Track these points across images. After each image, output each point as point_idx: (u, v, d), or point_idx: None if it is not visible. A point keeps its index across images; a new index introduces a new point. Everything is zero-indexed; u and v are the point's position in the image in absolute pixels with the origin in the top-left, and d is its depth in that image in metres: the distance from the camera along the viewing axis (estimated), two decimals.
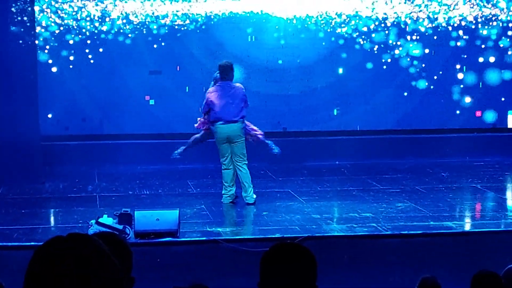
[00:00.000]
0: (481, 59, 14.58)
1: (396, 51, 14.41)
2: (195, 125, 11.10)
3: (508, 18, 14.59)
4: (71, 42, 13.65)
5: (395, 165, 13.60)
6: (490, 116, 14.73)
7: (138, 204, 10.47)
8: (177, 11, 13.92)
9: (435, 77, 14.54)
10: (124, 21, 13.80)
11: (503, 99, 14.71)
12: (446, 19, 14.46)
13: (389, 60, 14.40)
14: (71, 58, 13.65)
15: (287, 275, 3.16)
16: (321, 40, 14.22)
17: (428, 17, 14.44)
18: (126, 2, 13.78)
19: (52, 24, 13.61)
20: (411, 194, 11.36)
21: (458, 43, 14.52)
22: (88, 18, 13.69)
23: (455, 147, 14.36)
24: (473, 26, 14.53)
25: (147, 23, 13.85)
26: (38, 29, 13.18)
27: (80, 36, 13.67)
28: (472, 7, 14.49)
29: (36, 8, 13.02)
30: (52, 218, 10.11)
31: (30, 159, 12.26)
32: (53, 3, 13.61)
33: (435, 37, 14.47)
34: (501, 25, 14.57)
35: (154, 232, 8.82)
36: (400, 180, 12.47)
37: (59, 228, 9.34)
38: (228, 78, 10.71)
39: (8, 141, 12.10)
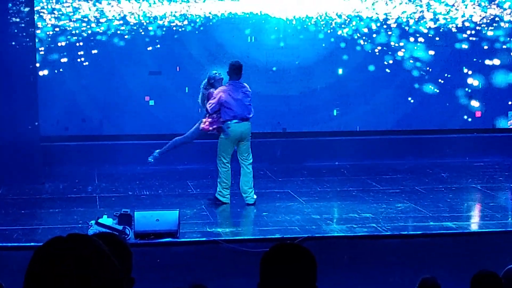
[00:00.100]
0: (483, 60, 14.58)
1: (396, 52, 14.40)
2: (203, 125, 10.87)
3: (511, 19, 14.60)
4: (71, 43, 13.65)
5: (395, 165, 13.60)
6: (490, 117, 14.73)
7: (138, 205, 10.47)
8: (176, 12, 13.92)
9: (435, 78, 14.54)
10: (124, 22, 13.80)
11: (510, 103, 14.71)
12: (449, 19, 14.46)
13: (390, 62, 14.39)
14: (71, 58, 13.64)
15: (287, 275, 3.16)
16: (320, 41, 14.22)
17: (428, 18, 14.44)
18: (126, 2, 13.78)
19: (52, 25, 13.61)
20: (411, 195, 11.37)
21: (459, 44, 14.52)
22: (88, 19, 13.69)
23: (455, 147, 14.36)
24: (477, 27, 14.52)
25: (147, 24, 13.85)
26: (37, 29, 13.17)
27: (80, 37, 13.67)
28: (474, 8, 14.49)
29: (36, 9, 13.01)
30: (52, 219, 10.10)
31: (30, 159, 12.26)
32: (52, 4, 13.60)
33: (436, 38, 14.46)
34: (505, 26, 14.56)
35: (154, 232, 8.82)
36: (400, 181, 12.47)
37: (59, 229, 9.33)
38: (239, 77, 10.77)
39: (8, 142, 12.10)
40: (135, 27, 13.83)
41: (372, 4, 14.31)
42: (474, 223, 10.25)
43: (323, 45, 14.24)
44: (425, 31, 14.45)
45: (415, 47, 14.45)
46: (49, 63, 13.57)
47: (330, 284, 8.27)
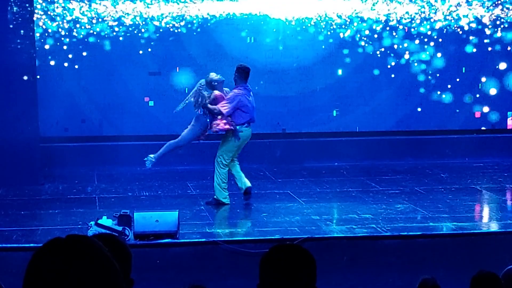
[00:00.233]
0: (482, 60, 14.58)
1: (396, 53, 14.40)
2: (216, 128, 10.74)
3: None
4: (70, 43, 13.65)
5: (395, 166, 13.60)
6: (490, 118, 14.73)
7: (137, 206, 10.47)
8: (176, 12, 13.92)
9: (434, 78, 14.54)
10: (124, 22, 13.80)
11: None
12: (452, 20, 14.46)
13: (390, 62, 14.40)
14: (71, 59, 13.64)
15: (286, 276, 3.16)
16: (320, 42, 14.22)
17: (428, 18, 14.44)
18: (126, 3, 13.78)
19: (52, 25, 13.60)
20: (410, 195, 11.37)
21: (458, 44, 14.52)
22: (87, 20, 13.69)
23: (454, 148, 14.37)
24: (477, 27, 14.52)
25: (146, 24, 13.85)
26: (37, 30, 13.17)
27: (79, 38, 13.66)
28: (470, 9, 14.49)
29: (35, 10, 13.01)
30: (51, 220, 10.09)
31: (30, 160, 12.26)
32: (52, 5, 13.60)
33: (435, 37, 14.47)
34: (507, 26, 14.58)
35: (154, 233, 8.81)
36: (399, 181, 12.47)
37: (58, 230, 9.33)
38: (247, 80, 10.82)
39: (8, 143, 12.10)
40: (134, 28, 13.83)
41: (373, 5, 14.30)
42: (474, 224, 10.24)
43: (323, 46, 14.24)
44: (425, 31, 14.45)
45: (415, 48, 14.44)
46: (49, 64, 13.57)
47: (330, 284, 8.28)
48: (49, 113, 13.32)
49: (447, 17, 14.49)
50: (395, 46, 14.41)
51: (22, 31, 12.21)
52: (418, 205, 10.69)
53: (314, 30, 14.21)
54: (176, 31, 13.94)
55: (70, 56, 13.65)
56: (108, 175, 12.88)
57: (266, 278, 3.20)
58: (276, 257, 3.21)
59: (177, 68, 13.96)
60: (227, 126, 10.61)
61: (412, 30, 14.45)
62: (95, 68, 13.72)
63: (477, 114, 14.73)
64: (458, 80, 14.60)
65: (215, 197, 10.76)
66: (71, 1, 13.64)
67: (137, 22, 13.83)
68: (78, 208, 10.65)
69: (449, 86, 14.59)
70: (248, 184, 10.89)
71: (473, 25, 14.54)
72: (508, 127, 14.79)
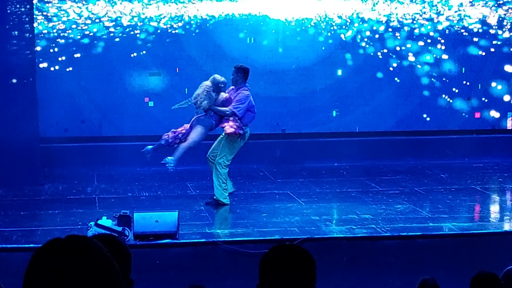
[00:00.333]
0: (482, 60, 14.59)
1: (395, 53, 14.41)
2: (231, 129, 10.58)
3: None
4: (70, 44, 13.65)
5: (394, 166, 13.61)
6: (489, 118, 14.73)
7: (137, 206, 10.46)
8: (175, 13, 13.91)
9: (434, 79, 14.55)
10: (124, 23, 13.80)
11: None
12: (452, 21, 14.47)
13: (389, 63, 14.40)
14: (71, 60, 13.64)
15: (286, 277, 3.16)
16: (319, 42, 14.22)
17: (428, 19, 14.44)
18: (126, 3, 13.78)
19: (52, 26, 13.60)
20: (410, 196, 11.37)
21: (457, 44, 14.53)
22: (87, 20, 13.69)
23: (454, 148, 14.37)
24: (476, 27, 14.53)
25: (146, 25, 13.85)
26: (37, 30, 13.17)
27: (79, 38, 13.66)
28: (465, 10, 14.50)
29: (35, 11, 13.01)
30: (51, 220, 10.09)
31: (29, 161, 12.26)
32: (52, 5, 13.60)
33: (435, 38, 14.47)
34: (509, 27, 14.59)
35: (153, 234, 8.81)
36: (399, 182, 12.47)
37: (58, 230, 9.33)
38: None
39: (8, 143, 12.10)
40: (134, 29, 13.83)
41: (374, 5, 14.31)
42: (474, 224, 10.24)
43: (323, 48, 14.23)
44: (425, 32, 14.45)
45: (415, 48, 14.44)
46: (49, 65, 13.56)
47: (329, 285, 8.28)
48: (49, 113, 13.32)
49: (447, 18, 14.48)
50: (395, 47, 14.40)
51: (21, 32, 12.21)
52: (418, 206, 10.69)
53: (313, 31, 14.21)
54: (175, 32, 13.94)
55: (70, 56, 13.65)
56: (108, 175, 12.88)
57: (265, 278, 3.20)
58: (275, 258, 3.22)
59: (177, 68, 13.96)
60: (234, 129, 10.59)
61: (412, 30, 14.44)
62: (95, 69, 13.72)
63: (477, 115, 14.73)
64: (457, 80, 14.59)
65: (215, 197, 10.75)
66: (71, 2, 13.63)
67: (136, 23, 13.83)
68: (78, 208, 10.65)
69: (448, 87, 14.58)
70: (232, 189, 10.93)
71: (473, 25, 14.53)
72: (508, 128, 14.79)
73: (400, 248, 9.10)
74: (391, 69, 14.43)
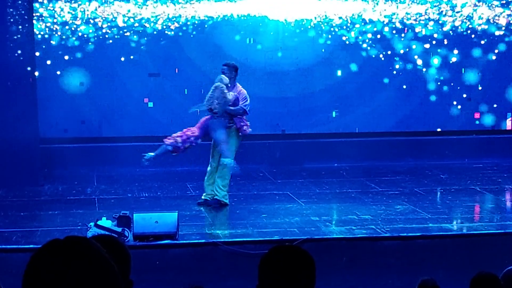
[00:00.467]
0: (481, 61, 14.59)
1: (395, 53, 14.40)
2: (250, 129, 10.72)
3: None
4: (70, 44, 13.65)
5: (394, 167, 13.60)
6: (489, 119, 14.73)
7: (137, 207, 10.46)
8: (175, 14, 13.91)
9: (434, 79, 14.54)
10: (123, 24, 13.79)
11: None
12: (452, 21, 14.47)
13: (389, 63, 14.40)
14: (70, 60, 13.64)
15: (285, 277, 3.16)
16: (319, 43, 14.22)
17: (429, 19, 14.45)
18: (126, 4, 13.78)
19: (51, 27, 13.60)
20: (410, 196, 11.37)
21: (457, 44, 14.52)
22: (87, 21, 13.69)
23: (454, 149, 14.37)
24: (475, 26, 14.53)
25: (145, 25, 13.85)
26: (36, 31, 13.17)
27: (79, 39, 13.66)
28: (460, 12, 14.51)
29: (34, 11, 13.01)
30: (51, 221, 10.09)
31: (29, 161, 12.26)
32: (51, 5, 13.60)
33: (435, 38, 14.47)
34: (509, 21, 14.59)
35: (153, 234, 8.81)
36: (399, 182, 12.47)
37: (58, 231, 9.33)
38: None
39: (7, 144, 12.09)
40: (134, 29, 13.83)
41: (375, 5, 14.31)
42: (473, 225, 10.24)
43: (323, 50, 14.23)
44: (425, 32, 14.45)
45: (415, 49, 14.44)
46: (48, 65, 13.56)
47: (329, 286, 8.27)
48: (48, 114, 13.31)
49: (447, 18, 14.48)
50: (395, 47, 14.40)
51: (21, 32, 12.20)
52: (418, 206, 10.69)
53: (313, 31, 14.21)
54: (175, 32, 13.93)
55: (69, 57, 13.64)
56: (108, 176, 12.88)
57: (265, 279, 3.20)
58: (275, 258, 3.22)
59: (176, 69, 13.96)
60: (248, 128, 10.70)
61: (412, 31, 14.44)
62: (95, 69, 13.72)
63: (477, 115, 14.73)
64: (457, 80, 14.59)
65: (216, 197, 10.72)
66: (71, 2, 13.63)
67: (136, 24, 13.83)
68: (78, 209, 10.64)
69: (448, 87, 14.58)
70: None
71: (472, 25, 14.53)
72: (507, 128, 14.79)
73: (399, 248, 9.10)
74: (391, 69, 14.42)
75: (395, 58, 14.42)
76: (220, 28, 14.03)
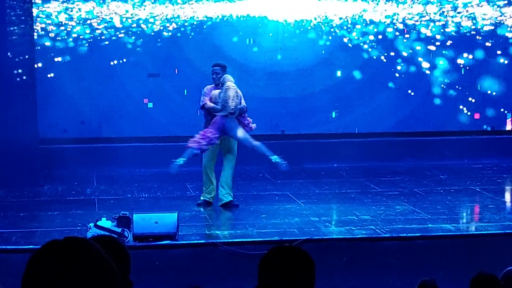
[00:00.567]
0: (481, 61, 14.59)
1: (395, 54, 14.41)
2: (254, 125, 10.87)
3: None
4: (70, 44, 13.65)
5: (394, 167, 13.60)
6: (489, 119, 14.74)
7: (136, 207, 10.46)
8: (175, 14, 13.91)
9: (433, 79, 14.55)
10: (123, 24, 13.79)
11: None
12: (452, 21, 14.48)
13: (388, 63, 14.40)
14: (70, 61, 13.64)
15: (285, 278, 3.16)
16: (318, 43, 14.22)
17: (428, 20, 14.45)
18: (125, 5, 13.78)
19: (51, 27, 13.60)
20: (409, 197, 11.37)
21: (457, 45, 14.52)
22: (87, 22, 13.69)
23: (453, 149, 14.37)
24: (478, 28, 14.53)
25: (145, 26, 13.85)
26: (36, 31, 13.17)
27: (79, 39, 13.66)
28: (455, 13, 14.52)
29: (34, 11, 13.01)
30: (50, 221, 10.08)
31: (29, 162, 12.25)
32: (51, 6, 13.60)
33: (434, 39, 14.47)
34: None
35: (153, 235, 8.81)
36: (398, 183, 12.47)
37: (57, 231, 9.32)
38: None
39: (7, 144, 12.09)
40: (134, 30, 13.83)
41: (376, 5, 14.31)
42: (473, 225, 10.24)
43: (323, 52, 14.23)
44: (424, 33, 14.45)
45: (414, 49, 14.45)
46: (48, 66, 13.56)
47: (329, 286, 8.27)
48: (48, 114, 13.31)
49: (447, 19, 14.49)
50: (395, 48, 14.40)
51: (21, 33, 12.20)
52: (417, 207, 10.69)
53: (313, 31, 14.21)
54: (174, 33, 13.93)
55: (69, 57, 13.64)
56: (108, 176, 12.88)
57: (265, 280, 3.20)
58: (275, 259, 3.22)
59: (176, 69, 13.96)
60: (254, 124, 10.77)
61: (412, 31, 14.44)
62: (94, 70, 13.72)
63: (476, 116, 14.73)
64: (457, 81, 14.59)
65: (231, 199, 10.74)
66: (70, 3, 13.63)
67: (136, 24, 13.83)
68: (78, 209, 10.64)
69: (448, 87, 14.58)
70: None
71: (472, 26, 14.53)
72: (507, 129, 14.80)
73: (399, 249, 9.10)
74: (390, 70, 14.42)
75: (394, 58, 14.41)
76: (219, 28, 14.03)
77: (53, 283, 1.80)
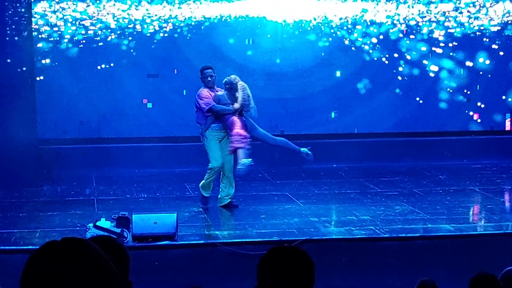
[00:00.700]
0: (480, 61, 14.59)
1: (394, 54, 14.40)
2: None
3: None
4: (69, 45, 13.64)
5: (393, 167, 13.60)
6: (488, 120, 14.73)
7: (136, 208, 10.46)
8: (174, 14, 13.90)
9: (433, 79, 14.55)
10: (122, 25, 13.79)
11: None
12: (451, 22, 14.48)
13: (388, 64, 14.40)
14: (69, 61, 13.63)
15: (284, 278, 3.16)
16: (318, 43, 14.22)
17: (429, 21, 14.45)
18: (124, 5, 13.77)
19: (50, 28, 13.59)
20: (409, 197, 11.37)
21: (456, 45, 14.52)
22: (86, 22, 13.68)
23: (453, 149, 14.37)
24: (472, 25, 14.53)
25: (144, 26, 13.84)
26: (35, 32, 13.16)
27: (78, 40, 13.66)
28: (454, 13, 14.52)
29: (34, 11, 13.01)
30: (49, 222, 10.08)
31: (28, 162, 12.25)
32: (50, 7, 13.59)
33: (434, 39, 14.47)
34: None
35: (152, 235, 8.81)
36: (398, 183, 12.47)
37: (56, 232, 9.33)
38: None
39: (6, 145, 12.09)
40: (132, 31, 13.82)
41: (376, 5, 14.31)
42: (472, 225, 10.24)
43: (322, 53, 14.23)
44: (423, 33, 14.46)
45: (414, 49, 14.45)
46: (47, 66, 13.56)
47: (329, 286, 8.27)
48: (47, 115, 13.31)
49: (447, 19, 14.49)
50: (394, 48, 14.40)
51: (20, 34, 12.20)
52: (417, 207, 10.69)
53: (312, 32, 14.20)
54: (174, 33, 13.93)
55: (68, 58, 13.64)
56: (107, 177, 12.87)
57: (264, 280, 3.20)
58: (274, 259, 3.22)
59: (175, 70, 13.96)
60: None
61: (411, 31, 14.44)
62: (94, 70, 13.71)
63: (476, 116, 14.73)
64: (456, 81, 14.59)
65: (232, 199, 10.77)
66: (70, 3, 13.63)
67: (135, 25, 13.82)
68: (77, 210, 10.64)
69: (447, 88, 14.58)
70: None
71: (471, 25, 14.53)
72: (506, 129, 14.80)
73: (399, 249, 9.10)
74: (387, 68, 14.42)
75: (394, 58, 14.41)
76: (218, 29, 14.02)
77: (52, 283, 1.80)
